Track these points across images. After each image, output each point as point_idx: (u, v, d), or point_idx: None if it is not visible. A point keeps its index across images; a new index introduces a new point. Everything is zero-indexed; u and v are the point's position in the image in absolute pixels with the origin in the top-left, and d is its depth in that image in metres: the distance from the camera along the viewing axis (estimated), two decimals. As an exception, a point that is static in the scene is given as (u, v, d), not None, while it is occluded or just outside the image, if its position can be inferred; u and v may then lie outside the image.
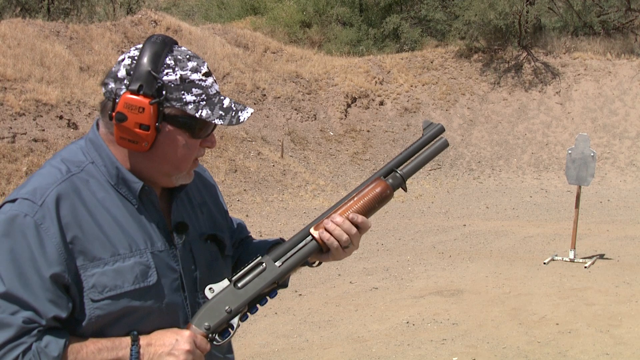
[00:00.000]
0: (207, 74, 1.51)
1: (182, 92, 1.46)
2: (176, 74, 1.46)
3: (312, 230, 1.60)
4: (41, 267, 1.37)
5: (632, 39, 21.46)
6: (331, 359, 5.26)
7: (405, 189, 1.67)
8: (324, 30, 24.46)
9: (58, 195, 1.42)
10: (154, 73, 1.44)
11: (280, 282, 1.61)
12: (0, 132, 10.81)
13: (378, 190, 1.62)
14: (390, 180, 1.64)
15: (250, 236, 1.90)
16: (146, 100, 1.43)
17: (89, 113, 12.73)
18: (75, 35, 15.67)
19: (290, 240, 1.61)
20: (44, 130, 11.50)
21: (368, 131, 18.34)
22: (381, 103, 19.42)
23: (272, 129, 16.50)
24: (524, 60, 20.64)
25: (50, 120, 11.85)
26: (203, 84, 1.49)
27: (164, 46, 1.48)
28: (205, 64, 1.53)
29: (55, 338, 1.38)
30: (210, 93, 1.50)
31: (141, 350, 1.42)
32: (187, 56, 1.50)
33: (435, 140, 1.67)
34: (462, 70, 20.74)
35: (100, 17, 22.60)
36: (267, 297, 1.60)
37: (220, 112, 1.49)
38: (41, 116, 11.78)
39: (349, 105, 18.88)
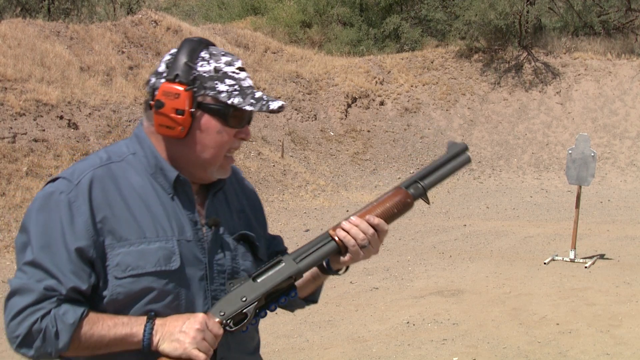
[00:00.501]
0: (241, 69, 1.60)
1: (216, 81, 1.55)
2: (210, 65, 1.56)
3: (330, 231, 1.66)
4: (68, 240, 1.47)
5: (632, 39, 21.47)
6: (331, 359, 5.26)
7: (427, 202, 1.73)
8: (324, 31, 24.46)
9: (93, 178, 1.53)
10: (189, 64, 1.55)
11: (298, 277, 1.66)
12: (1, 132, 10.81)
13: (398, 198, 1.68)
14: (411, 190, 1.70)
15: (287, 250, 1.95)
16: (182, 87, 1.53)
17: (90, 113, 12.73)
18: (76, 35, 15.68)
19: (310, 242, 1.67)
20: (44, 130, 11.50)
21: (368, 131, 18.35)
22: (381, 103, 19.42)
23: (273, 129, 16.51)
24: (524, 60, 20.64)
25: (51, 120, 11.85)
26: (236, 76, 1.58)
27: (200, 43, 1.60)
28: (240, 60, 1.62)
29: (73, 307, 1.47)
30: (244, 85, 1.58)
31: (155, 328, 1.48)
32: (222, 52, 1.60)
33: (458, 156, 1.74)
34: (462, 70, 20.75)
35: (100, 17, 22.61)
36: (286, 297, 1.65)
37: (252, 101, 1.56)
38: (41, 116, 11.78)
39: (349, 105, 18.88)
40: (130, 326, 1.48)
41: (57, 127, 11.81)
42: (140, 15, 18.66)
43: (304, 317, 6.26)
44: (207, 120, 1.56)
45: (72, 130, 12.01)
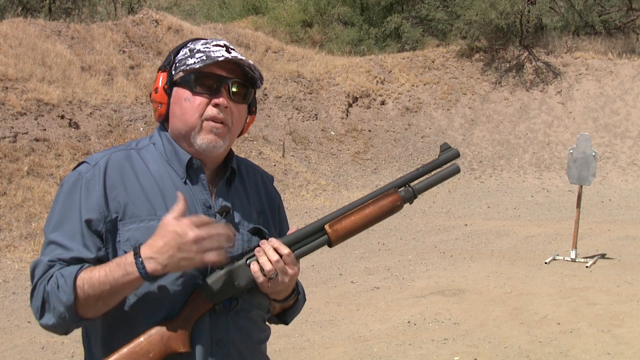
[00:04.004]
0: (218, 46, 1.65)
1: (188, 58, 1.65)
2: (187, 48, 1.68)
3: (326, 227, 1.67)
4: (82, 214, 1.57)
5: (633, 39, 21.45)
6: (332, 359, 5.26)
7: (411, 203, 1.79)
8: (325, 30, 24.45)
9: (109, 160, 1.64)
10: (172, 54, 1.69)
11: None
12: (2, 132, 10.82)
13: (390, 199, 1.73)
14: (402, 193, 1.75)
15: None
16: (160, 72, 1.69)
17: (90, 113, 12.73)
18: (77, 34, 15.68)
19: (304, 229, 1.68)
20: (45, 129, 11.51)
21: (369, 131, 18.34)
22: (382, 103, 19.41)
23: (274, 128, 16.50)
24: (525, 60, 20.63)
25: (52, 120, 11.86)
26: (207, 49, 1.64)
27: (192, 39, 1.72)
28: (223, 41, 1.67)
29: (75, 266, 1.53)
30: (212, 55, 1.62)
31: (145, 262, 1.47)
32: (210, 40, 1.69)
33: (448, 164, 1.79)
34: (463, 69, 20.73)
35: (101, 17, 22.60)
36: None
37: (204, 58, 1.62)
38: (42, 116, 11.78)
39: (350, 105, 18.87)
40: (124, 267, 1.47)
41: (58, 126, 11.81)
42: (141, 15, 18.65)
43: (305, 317, 6.26)
44: (177, 92, 1.65)
45: (73, 129, 12.01)
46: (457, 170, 1.78)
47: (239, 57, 1.63)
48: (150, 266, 1.46)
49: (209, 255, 1.47)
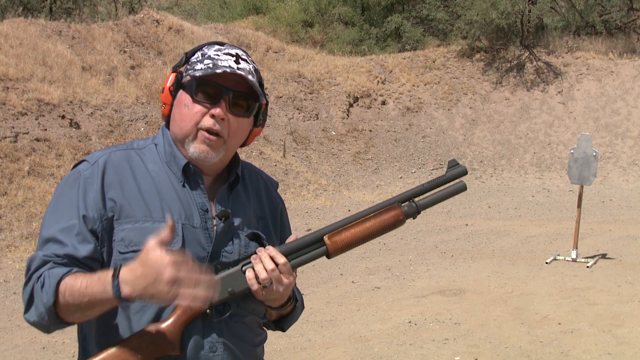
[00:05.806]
0: (229, 55, 1.63)
1: (197, 63, 1.64)
2: (201, 52, 1.67)
3: (325, 239, 1.67)
4: (79, 210, 1.57)
5: (634, 39, 21.45)
6: (333, 359, 5.26)
7: (414, 218, 1.76)
8: (326, 30, 24.47)
9: (108, 159, 1.64)
10: (187, 56, 1.69)
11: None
12: (3, 132, 10.83)
13: (392, 214, 1.71)
14: (405, 208, 1.73)
15: None
16: (171, 72, 1.70)
17: (91, 113, 12.73)
18: (78, 34, 15.68)
19: (302, 239, 1.67)
20: (46, 129, 11.51)
21: (370, 131, 18.34)
22: (383, 102, 19.42)
23: (274, 128, 16.51)
24: (526, 60, 20.62)
25: (53, 120, 11.86)
26: (216, 57, 1.63)
27: (208, 43, 1.70)
28: (236, 49, 1.66)
29: (65, 268, 1.52)
30: (219, 64, 1.60)
31: (121, 286, 1.43)
32: (225, 45, 1.68)
33: (455, 182, 1.78)
34: (464, 69, 20.73)
35: (102, 17, 22.62)
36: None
37: (208, 71, 1.60)
38: (43, 116, 11.79)
39: (351, 105, 18.88)
40: (103, 284, 1.44)
41: (59, 126, 11.82)
42: (142, 15, 18.66)
43: (305, 317, 6.25)
44: (180, 95, 1.65)
45: (74, 129, 12.02)
46: (463, 188, 1.77)
47: (242, 72, 1.60)
48: (124, 290, 1.43)
49: (182, 298, 1.40)
